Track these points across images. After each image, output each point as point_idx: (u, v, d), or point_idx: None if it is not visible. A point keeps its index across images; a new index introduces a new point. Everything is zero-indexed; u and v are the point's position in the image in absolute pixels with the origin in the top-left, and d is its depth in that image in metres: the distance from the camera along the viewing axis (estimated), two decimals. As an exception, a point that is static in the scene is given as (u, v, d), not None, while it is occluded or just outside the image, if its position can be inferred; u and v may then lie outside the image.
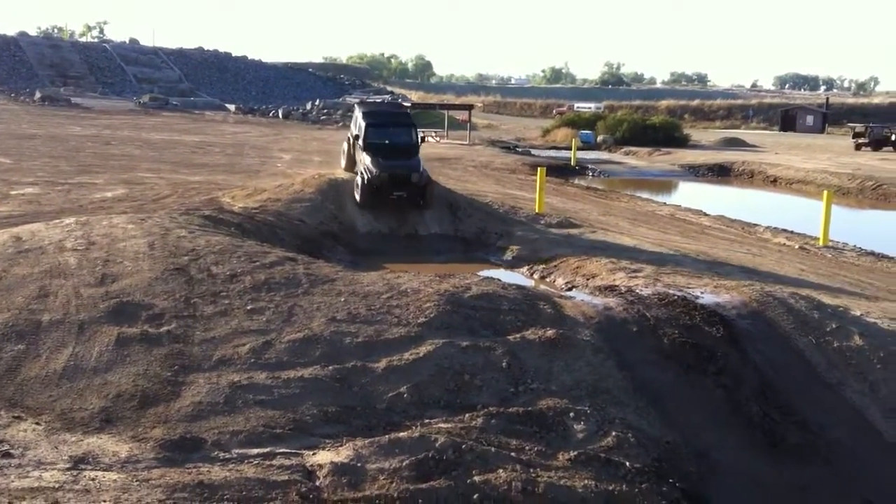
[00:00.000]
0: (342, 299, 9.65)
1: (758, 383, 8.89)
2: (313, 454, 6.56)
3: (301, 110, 74.87)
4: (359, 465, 6.36)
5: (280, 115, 70.86)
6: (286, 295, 9.79)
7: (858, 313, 11.65)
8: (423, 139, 19.82)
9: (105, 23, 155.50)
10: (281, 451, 6.59)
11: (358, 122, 19.95)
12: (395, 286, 10.15)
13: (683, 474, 7.11)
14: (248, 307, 9.36)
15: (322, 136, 52.50)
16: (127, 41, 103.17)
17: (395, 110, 22.22)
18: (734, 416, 8.39)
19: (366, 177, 17.87)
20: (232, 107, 75.67)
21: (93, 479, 5.89)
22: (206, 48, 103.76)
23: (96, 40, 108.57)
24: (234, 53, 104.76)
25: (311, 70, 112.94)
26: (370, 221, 17.92)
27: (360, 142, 18.96)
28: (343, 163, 21.00)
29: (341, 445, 6.70)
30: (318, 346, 8.43)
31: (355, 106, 21.66)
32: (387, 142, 19.09)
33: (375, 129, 19.30)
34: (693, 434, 7.99)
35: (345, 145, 21.09)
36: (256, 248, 11.99)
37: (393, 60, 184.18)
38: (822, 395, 8.85)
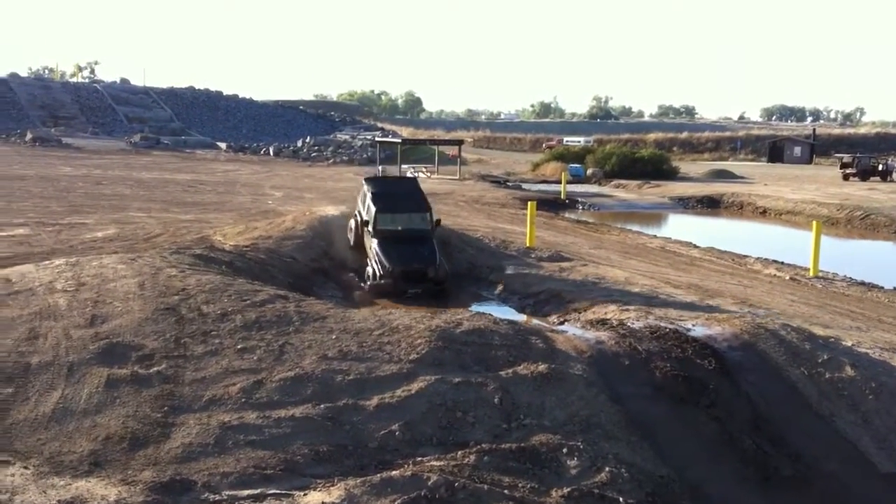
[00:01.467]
0: (333, 336, 9.62)
1: (750, 415, 8.87)
2: (304, 495, 6.51)
3: (292, 147, 75.14)
4: (351, 505, 6.31)
5: (271, 153, 71.10)
6: (277, 333, 9.76)
7: (850, 344, 11.66)
8: (432, 219, 17.66)
9: (96, 63, 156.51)
10: (272, 492, 6.53)
11: (366, 203, 17.82)
12: (387, 322, 10.14)
13: (677, 509, 7.06)
14: (239, 346, 9.33)
15: (313, 173, 52.67)
16: (118, 81, 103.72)
17: (407, 189, 19.60)
18: (727, 449, 8.36)
19: (377, 272, 16.10)
20: (223, 145, 75.90)
21: (82, 524, 5.83)
22: (196, 87, 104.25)
23: (87, 80, 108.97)
24: (225, 92, 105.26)
25: (301, 107, 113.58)
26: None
27: (370, 227, 17.11)
28: (351, 239, 18.75)
29: (333, 485, 6.65)
30: (310, 385, 8.39)
31: (363, 182, 19.18)
32: (399, 228, 17.23)
33: (386, 215, 17.27)
34: (686, 467, 7.95)
35: (352, 222, 18.87)
36: (247, 287, 11.97)
37: (383, 97, 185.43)
38: (814, 427, 8.83)
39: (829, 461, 8.45)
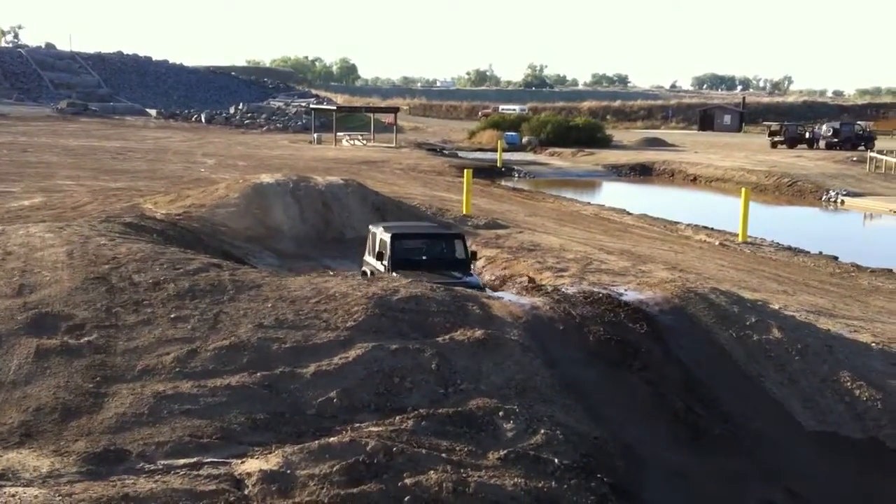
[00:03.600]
0: (269, 305, 9.54)
1: (681, 377, 9.08)
2: (242, 463, 6.49)
3: (224, 114, 73.94)
4: (288, 472, 6.31)
5: (203, 120, 69.86)
6: (211, 302, 9.64)
7: (777, 307, 12.01)
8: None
9: (20, 27, 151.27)
10: (208, 460, 6.49)
11: (375, 240, 14.19)
12: (324, 290, 10.08)
13: (611, 469, 7.20)
14: (172, 315, 9.19)
15: (246, 141, 51.88)
16: (43, 46, 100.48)
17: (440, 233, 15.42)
18: (659, 411, 8.55)
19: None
20: (153, 111, 74.35)
21: (13, 496, 5.73)
22: (125, 52, 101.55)
23: (10, 45, 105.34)
24: (155, 57, 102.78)
25: (234, 74, 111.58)
26: (297, 225, 17.77)
27: (387, 262, 13.31)
28: None
29: (270, 453, 6.63)
30: (245, 353, 8.32)
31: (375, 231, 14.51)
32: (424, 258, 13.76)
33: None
34: (620, 429, 8.10)
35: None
36: (180, 255, 11.77)
37: (317, 63, 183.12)
38: (743, 388, 9.08)
39: (757, 420, 8.70)
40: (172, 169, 29.57)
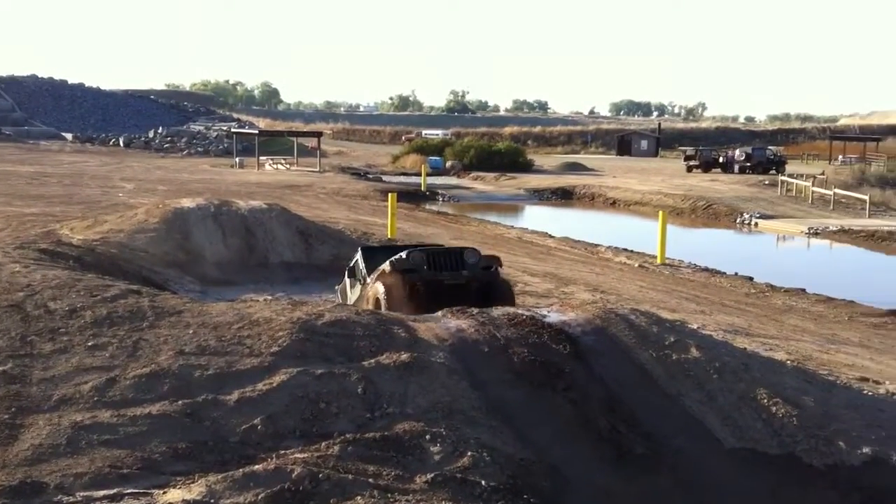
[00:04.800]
0: (190, 331, 9.38)
1: (604, 397, 9.19)
2: (163, 493, 6.34)
3: (143, 138, 72.61)
4: (212, 501, 6.19)
5: (121, 144, 68.52)
6: (130, 329, 9.43)
7: (695, 326, 12.32)
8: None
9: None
10: (129, 491, 6.33)
11: (352, 267, 13.40)
12: (246, 316, 9.95)
13: (537, 490, 7.25)
14: (90, 343, 8.96)
15: (166, 165, 51.05)
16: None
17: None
18: (583, 431, 8.63)
19: (387, 265, 11.66)
20: (69, 136, 72.50)
21: (-80, 534, 5.50)
22: (40, 75, 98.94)
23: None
24: (71, 80, 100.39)
25: (153, 97, 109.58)
26: (219, 250, 17.54)
27: (361, 276, 12.69)
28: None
29: (193, 482, 6.50)
30: (166, 381, 8.15)
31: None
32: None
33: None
34: (545, 450, 8.16)
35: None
36: (97, 282, 11.50)
37: (239, 87, 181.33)
38: (663, 406, 9.23)
39: (678, 438, 8.85)
40: (89, 194, 28.89)
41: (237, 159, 56.35)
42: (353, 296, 13.22)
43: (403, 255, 11.57)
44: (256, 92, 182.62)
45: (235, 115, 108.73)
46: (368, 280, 12.45)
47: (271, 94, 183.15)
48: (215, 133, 77.69)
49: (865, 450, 8.80)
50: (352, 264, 13.47)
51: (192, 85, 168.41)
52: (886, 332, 15.81)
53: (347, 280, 13.55)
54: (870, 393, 10.56)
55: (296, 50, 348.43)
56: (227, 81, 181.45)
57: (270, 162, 56.70)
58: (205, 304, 11.06)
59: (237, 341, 9.13)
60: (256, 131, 68.23)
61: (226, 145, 68.68)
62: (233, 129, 73.07)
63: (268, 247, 17.92)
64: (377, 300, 11.55)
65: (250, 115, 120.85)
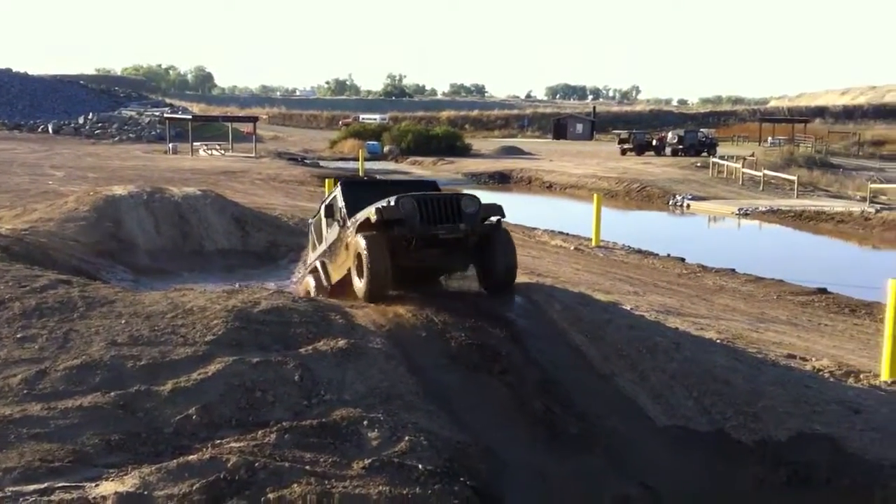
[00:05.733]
0: (123, 321, 9.24)
1: (539, 379, 9.31)
2: (96, 486, 6.26)
3: (73, 125, 70.93)
4: (146, 493, 6.13)
5: (51, 131, 66.86)
6: (60, 320, 9.25)
7: (628, 307, 12.53)
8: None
9: None
10: (60, 485, 6.23)
11: (328, 206, 11.93)
12: (180, 305, 9.84)
13: (474, 473, 7.32)
14: (19, 335, 8.77)
15: (97, 152, 49.96)
16: None
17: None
18: (519, 413, 8.74)
19: (371, 212, 10.17)
20: (-6, 122, 70.41)
21: None
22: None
23: None
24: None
25: (82, 82, 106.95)
26: (152, 238, 17.25)
27: (340, 217, 11.40)
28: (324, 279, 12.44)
29: (126, 474, 6.43)
30: (98, 373, 8.03)
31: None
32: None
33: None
34: (482, 433, 8.24)
35: (309, 279, 12.84)
36: (26, 272, 11.24)
37: (171, 72, 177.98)
38: (597, 387, 9.39)
39: (612, 418, 9.01)
40: (18, 182, 28.14)
41: (170, 145, 55.43)
42: (329, 235, 11.94)
43: (392, 201, 10.01)
44: (190, 76, 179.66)
45: (168, 101, 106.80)
46: (349, 223, 11.03)
47: (205, 79, 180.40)
48: (148, 119, 76.22)
49: (792, 425, 9.07)
50: (328, 201, 12.10)
51: (123, 70, 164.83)
52: (813, 310, 16.27)
53: (324, 219, 12.12)
54: (797, 370, 10.88)
55: (230, 33, 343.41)
56: (160, 66, 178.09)
57: (205, 148, 55.87)
58: (137, 293, 10.90)
59: (171, 331, 9.03)
60: (190, 116, 67.17)
61: (158, 131, 67.49)
62: (166, 115, 71.79)
63: (202, 234, 17.67)
64: (358, 255, 10.23)
65: (184, 100, 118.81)
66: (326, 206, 11.67)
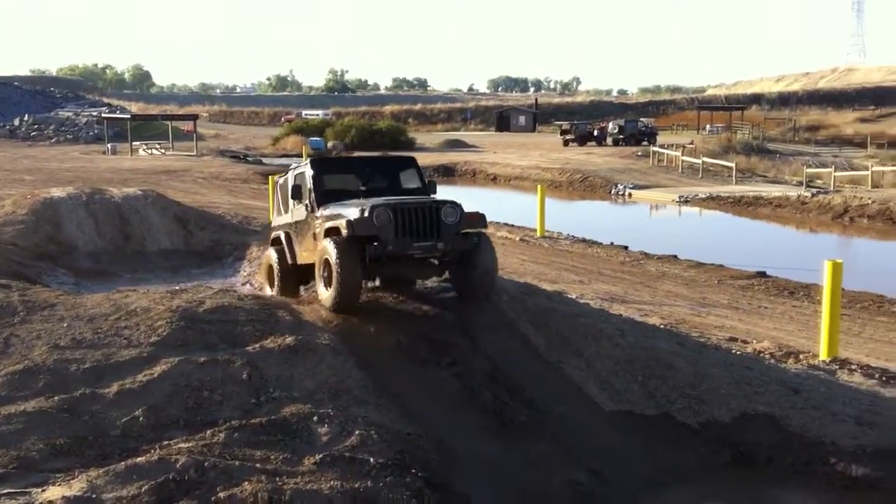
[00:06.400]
0: (65, 325, 9.10)
1: (488, 369, 9.39)
2: (42, 491, 6.17)
3: (8, 127, 69.31)
4: (94, 496, 6.07)
5: (-17, 133, 65.10)
6: (0, 325, 9.08)
7: (574, 296, 12.68)
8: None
9: None
10: (5, 491, 6.13)
11: (296, 182, 11.09)
12: (123, 306, 9.72)
13: (425, 464, 7.38)
14: (-43, 342, 8.59)
15: (34, 154, 48.89)
16: None
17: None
18: (469, 403, 8.82)
19: (342, 224, 9.48)
20: (-76, 125, 68.53)
21: None
22: None
23: None
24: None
25: (17, 84, 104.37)
26: (93, 240, 16.96)
27: (308, 200, 10.65)
28: (270, 291, 12.04)
29: (73, 478, 6.35)
30: (41, 377, 7.90)
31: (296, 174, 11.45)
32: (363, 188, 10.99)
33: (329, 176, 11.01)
34: (432, 424, 8.31)
35: (271, 253, 11.96)
36: (-38, 278, 11.01)
37: (108, 71, 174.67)
38: (545, 375, 9.51)
39: (559, 405, 9.15)
40: (-51, 186, 27.45)
41: (109, 145, 54.47)
42: (295, 215, 11.13)
43: (366, 211, 9.28)
44: (127, 75, 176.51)
45: (106, 100, 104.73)
46: (318, 215, 10.33)
47: (143, 77, 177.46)
48: (85, 119, 74.77)
49: (735, 406, 9.30)
50: (295, 179, 11.12)
51: (59, 70, 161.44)
52: (753, 294, 16.62)
53: (291, 200, 11.12)
54: (738, 352, 11.12)
55: (168, 31, 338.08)
56: (96, 65, 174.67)
57: (144, 147, 55.03)
58: (79, 296, 10.74)
59: (114, 332, 8.92)
60: (128, 116, 66.06)
61: (97, 131, 66.28)
62: (104, 115, 70.48)
63: (144, 235, 17.43)
64: (326, 261, 9.56)
65: (122, 99, 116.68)
66: (294, 187, 10.76)
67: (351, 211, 9.57)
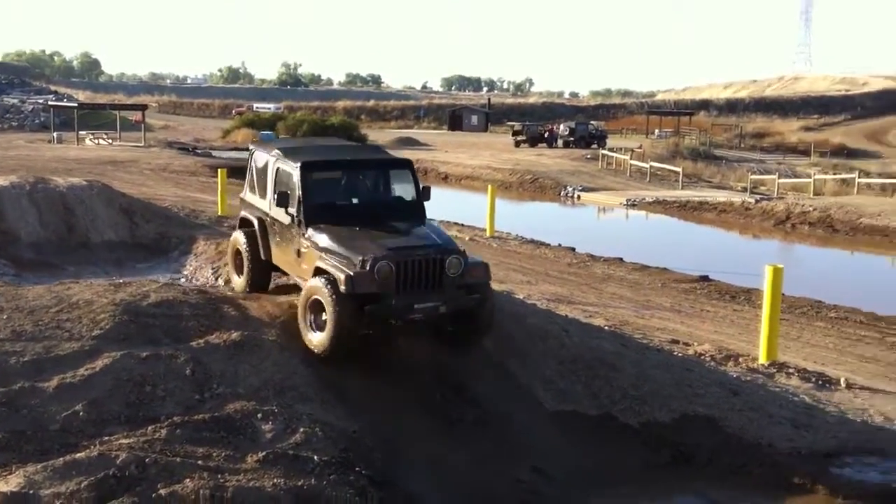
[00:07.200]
0: (5, 316, 8.92)
1: (436, 369, 9.43)
2: (-22, 486, 6.07)
3: (-51, 113, 67.49)
4: (31, 492, 5.98)
5: (-77, 119, 63.38)
6: (-63, 317, 8.88)
7: (521, 296, 12.78)
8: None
9: None
10: (-61, 487, 6.02)
11: (276, 177, 10.17)
12: (66, 298, 9.56)
13: (370, 462, 7.40)
14: None
15: (-26, 141, 47.67)
16: None
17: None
18: (415, 402, 8.85)
19: (341, 278, 8.59)
20: None
21: None
22: None
23: None
24: None
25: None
26: (36, 230, 16.62)
27: (296, 210, 9.60)
28: (238, 278, 11.34)
29: (11, 473, 6.25)
30: (-21, 370, 7.75)
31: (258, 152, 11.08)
32: (355, 201, 10.15)
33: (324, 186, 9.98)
34: (378, 423, 8.31)
35: (240, 238, 11.03)
36: None
37: (56, 58, 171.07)
38: (491, 374, 9.58)
39: (505, 404, 9.24)
40: None
41: (55, 134, 53.39)
42: (275, 212, 10.07)
43: (367, 263, 8.54)
44: (75, 62, 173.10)
45: (53, 88, 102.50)
46: (308, 234, 9.41)
47: (92, 65, 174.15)
48: (31, 106, 73.14)
49: (675, 407, 9.48)
50: (276, 179, 10.14)
51: (4, 55, 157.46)
52: (696, 297, 16.90)
53: (277, 206, 9.86)
54: (680, 354, 11.32)
55: (118, 18, 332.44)
56: (44, 51, 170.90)
57: (91, 137, 54.04)
58: (20, 287, 10.55)
59: (56, 325, 8.77)
60: (76, 104, 64.83)
61: (42, 119, 64.95)
62: (50, 102, 69.07)
63: (89, 226, 17.10)
64: (318, 304, 8.86)
65: (69, 87, 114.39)
66: (280, 194, 9.61)
67: (348, 258, 8.77)
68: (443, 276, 8.81)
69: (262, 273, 10.91)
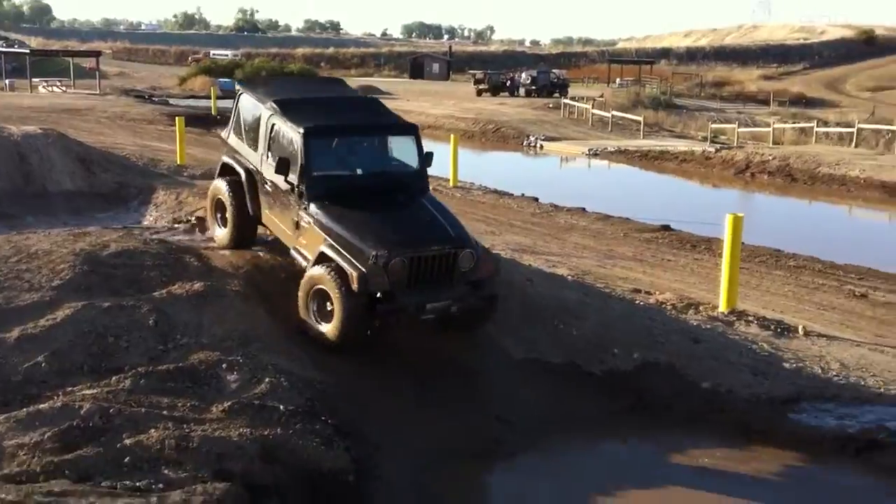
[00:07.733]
0: (-39, 268, 8.77)
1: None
2: (-61, 439, 6.00)
3: None
4: (-6, 443, 5.93)
5: None
6: None
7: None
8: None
9: None
10: None
11: (272, 135, 9.59)
12: (24, 248, 9.40)
13: (335, 411, 7.41)
14: None
15: (-79, 87, 46.33)
16: None
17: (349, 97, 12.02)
18: (380, 353, 8.86)
19: (352, 274, 8.19)
20: None
21: None
22: None
23: None
24: None
25: None
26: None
27: (297, 180, 9.01)
28: (220, 231, 10.87)
29: (-28, 425, 6.18)
30: (-64, 322, 7.62)
31: (246, 93, 10.53)
32: (359, 172, 9.63)
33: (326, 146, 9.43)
34: (345, 376, 8.32)
35: (223, 186, 10.52)
36: None
37: (5, 3, 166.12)
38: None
39: (471, 353, 9.30)
40: None
41: (7, 81, 52.11)
42: (268, 171, 9.54)
43: (381, 259, 8.18)
44: (25, 7, 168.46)
45: (3, 34, 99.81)
46: (312, 210, 8.89)
47: (42, 11, 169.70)
48: (-21, 52, 71.42)
49: (636, 355, 9.61)
50: (271, 136, 9.57)
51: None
52: (657, 247, 17.03)
53: (276, 172, 9.15)
54: (641, 303, 11.42)
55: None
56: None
57: (45, 84, 52.82)
58: (-25, 238, 10.32)
59: (15, 276, 8.64)
60: (28, 51, 63.17)
61: (-9, 65, 63.52)
62: (0, 49, 67.41)
63: (45, 175, 16.77)
64: (323, 293, 8.52)
65: (20, 33, 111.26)
66: (280, 160, 8.98)
67: (360, 250, 8.33)
68: (454, 271, 8.59)
69: (248, 229, 10.42)
